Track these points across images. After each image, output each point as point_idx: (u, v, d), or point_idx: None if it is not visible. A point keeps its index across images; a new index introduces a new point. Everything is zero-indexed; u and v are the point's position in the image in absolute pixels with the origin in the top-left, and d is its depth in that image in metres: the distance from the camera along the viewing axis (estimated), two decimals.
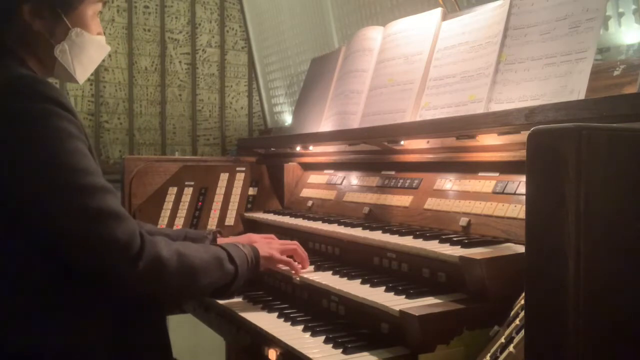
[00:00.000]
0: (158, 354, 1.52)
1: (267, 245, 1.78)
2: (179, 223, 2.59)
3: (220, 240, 1.93)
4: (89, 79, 3.97)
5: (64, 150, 1.29)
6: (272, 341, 1.56)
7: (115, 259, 1.30)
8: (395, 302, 1.43)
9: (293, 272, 1.80)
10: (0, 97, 1.30)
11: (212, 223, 2.64)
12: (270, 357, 1.56)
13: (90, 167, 1.33)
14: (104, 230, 1.29)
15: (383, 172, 2.20)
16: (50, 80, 1.55)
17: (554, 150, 0.90)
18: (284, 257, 1.80)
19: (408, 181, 2.03)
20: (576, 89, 1.53)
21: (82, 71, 1.58)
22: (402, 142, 2.04)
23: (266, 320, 1.68)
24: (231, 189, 2.80)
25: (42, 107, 1.30)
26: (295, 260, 1.83)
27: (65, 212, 1.28)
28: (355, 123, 2.32)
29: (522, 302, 1.11)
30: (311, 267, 1.87)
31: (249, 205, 2.75)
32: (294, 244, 1.86)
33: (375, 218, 2.09)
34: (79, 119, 1.37)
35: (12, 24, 1.44)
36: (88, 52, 1.55)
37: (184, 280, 1.44)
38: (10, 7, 1.43)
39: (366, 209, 2.14)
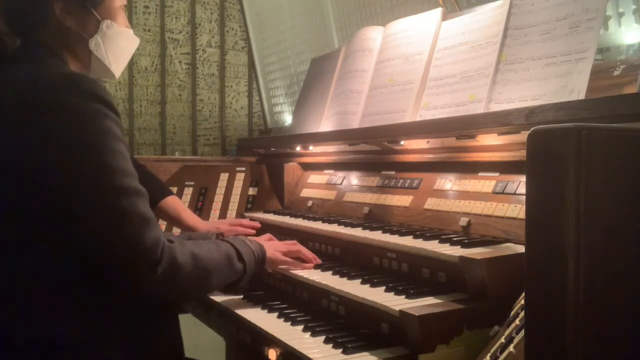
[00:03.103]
0: (171, 347, 1.54)
1: (272, 247, 1.81)
2: None
3: None
4: None
5: (107, 150, 1.32)
6: (272, 341, 1.56)
7: (137, 263, 1.33)
8: (395, 302, 1.43)
9: (299, 269, 1.83)
10: (55, 91, 1.32)
11: None
12: (270, 357, 1.56)
13: (129, 169, 1.36)
14: (132, 233, 1.31)
15: (383, 172, 2.20)
16: None
17: (554, 150, 0.90)
18: (288, 258, 1.83)
19: (408, 181, 2.04)
20: (576, 89, 1.53)
21: (117, 64, 1.62)
22: (402, 142, 2.04)
23: (266, 320, 1.68)
24: (231, 189, 2.80)
25: (94, 107, 1.33)
26: (301, 260, 1.86)
27: (99, 209, 1.31)
28: (355, 123, 2.32)
29: (522, 302, 1.11)
30: (311, 267, 1.87)
31: (249, 205, 2.75)
32: (297, 247, 1.88)
33: (375, 218, 2.09)
34: (122, 119, 1.42)
35: (46, 23, 1.49)
36: (120, 43, 1.60)
37: (197, 282, 1.48)
38: (43, 7, 1.48)
39: (366, 209, 2.14)
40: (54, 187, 1.31)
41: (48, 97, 1.32)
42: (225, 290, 1.69)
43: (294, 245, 1.88)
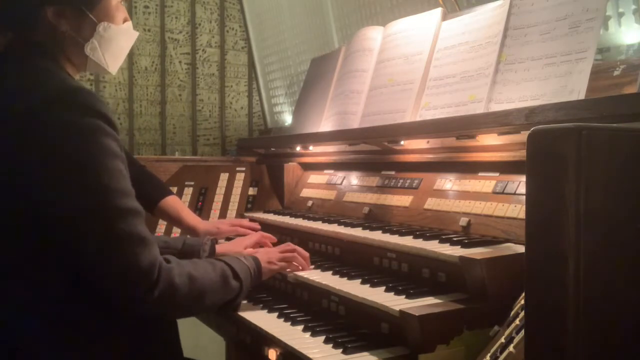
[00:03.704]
0: (169, 348, 1.54)
1: (267, 255, 1.80)
2: None
3: (220, 247, 1.94)
4: (89, 79, 3.96)
5: (105, 169, 1.29)
6: (272, 341, 1.56)
7: (133, 285, 1.31)
8: (395, 302, 1.43)
9: (289, 270, 1.83)
10: (51, 107, 1.28)
11: None
12: (270, 357, 1.56)
13: (126, 189, 1.33)
14: (129, 254, 1.29)
15: (383, 172, 2.20)
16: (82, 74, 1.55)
17: (554, 150, 0.90)
18: (284, 264, 1.82)
19: (408, 181, 2.03)
20: (576, 89, 1.53)
21: (114, 62, 1.57)
22: (402, 142, 2.04)
23: (266, 320, 1.68)
24: (231, 189, 2.80)
25: (92, 123, 1.29)
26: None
27: (97, 231, 1.29)
28: (355, 123, 2.32)
29: (522, 302, 1.11)
30: (311, 267, 1.87)
31: (249, 205, 2.75)
32: (293, 251, 1.86)
33: (375, 218, 2.08)
34: (120, 133, 1.38)
35: (37, 28, 1.43)
36: (118, 43, 1.54)
37: (193, 302, 1.46)
38: (34, 12, 1.41)
39: (366, 209, 2.14)
40: (51, 206, 1.28)
41: (45, 112, 1.28)
42: (222, 309, 1.65)
43: (289, 253, 1.85)
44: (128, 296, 1.33)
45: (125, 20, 1.57)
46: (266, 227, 2.35)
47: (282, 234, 2.30)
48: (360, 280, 1.65)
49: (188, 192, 2.80)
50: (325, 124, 2.52)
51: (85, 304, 1.34)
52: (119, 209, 1.30)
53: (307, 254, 1.88)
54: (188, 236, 2.09)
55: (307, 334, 1.54)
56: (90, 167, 1.28)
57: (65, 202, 1.28)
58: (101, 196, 1.29)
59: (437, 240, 1.60)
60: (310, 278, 1.75)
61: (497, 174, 1.73)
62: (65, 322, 1.33)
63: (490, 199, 1.68)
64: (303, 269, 1.84)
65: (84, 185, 1.28)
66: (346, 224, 1.99)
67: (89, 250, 1.30)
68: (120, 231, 1.29)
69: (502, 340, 1.13)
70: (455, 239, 1.57)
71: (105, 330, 1.37)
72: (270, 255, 1.81)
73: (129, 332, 1.41)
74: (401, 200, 2.01)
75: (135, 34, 1.64)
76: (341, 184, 2.39)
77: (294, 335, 1.54)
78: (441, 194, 1.88)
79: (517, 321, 1.15)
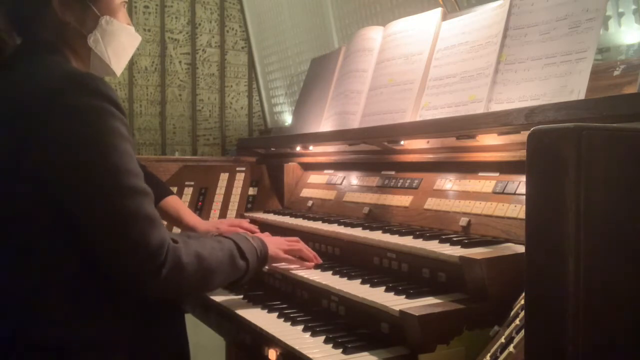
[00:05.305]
0: (177, 346, 1.55)
1: (274, 244, 1.81)
2: None
3: None
4: None
5: (114, 150, 1.32)
6: (272, 341, 1.56)
7: (141, 264, 1.33)
8: (395, 302, 1.43)
9: (299, 268, 1.84)
10: (60, 91, 1.31)
11: None
12: (270, 357, 1.56)
13: (135, 169, 1.35)
14: (138, 233, 1.31)
15: (383, 172, 2.20)
16: None
17: (554, 150, 0.90)
18: (289, 256, 1.83)
19: (408, 181, 2.03)
20: (576, 89, 1.53)
21: (117, 61, 1.60)
22: (402, 142, 2.04)
23: (266, 320, 1.68)
24: (231, 189, 2.80)
25: (99, 105, 1.32)
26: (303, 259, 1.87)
27: (106, 210, 1.31)
28: (355, 123, 2.32)
29: (522, 302, 1.11)
30: (312, 266, 1.87)
31: (249, 205, 2.75)
32: (299, 245, 1.88)
33: (375, 218, 2.08)
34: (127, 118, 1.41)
35: (45, 17, 1.47)
36: (120, 40, 1.58)
37: (200, 281, 1.48)
38: (43, 3, 1.47)
39: (366, 209, 2.14)
40: (61, 187, 1.31)
41: (53, 98, 1.31)
42: (227, 287, 1.69)
43: (296, 243, 1.88)
44: (135, 275, 1.34)
45: (127, 24, 1.61)
46: (266, 227, 2.35)
47: (282, 234, 2.29)
48: (360, 280, 1.65)
49: (188, 192, 2.80)
50: (325, 124, 2.52)
51: (93, 281, 1.35)
52: (128, 188, 1.32)
53: (312, 253, 1.89)
54: (189, 233, 2.09)
55: (307, 334, 1.54)
56: (99, 147, 1.31)
57: (74, 181, 1.30)
58: (110, 175, 1.31)
59: (437, 240, 1.60)
60: (310, 278, 1.75)
61: (497, 174, 1.73)
62: (73, 300, 1.34)
63: (490, 199, 1.69)
64: (310, 261, 1.85)
65: (94, 165, 1.31)
66: (346, 224, 1.99)
67: (97, 229, 1.32)
68: (130, 210, 1.31)
69: (502, 340, 1.13)
70: (455, 239, 1.57)
71: (109, 311, 1.38)
72: (277, 244, 1.83)
73: (133, 314, 1.41)
74: (401, 200, 2.01)
75: (138, 38, 1.67)
76: (341, 184, 2.39)
77: (294, 335, 1.54)
78: (441, 194, 1.88)
79: (517, 321, 1.15)
